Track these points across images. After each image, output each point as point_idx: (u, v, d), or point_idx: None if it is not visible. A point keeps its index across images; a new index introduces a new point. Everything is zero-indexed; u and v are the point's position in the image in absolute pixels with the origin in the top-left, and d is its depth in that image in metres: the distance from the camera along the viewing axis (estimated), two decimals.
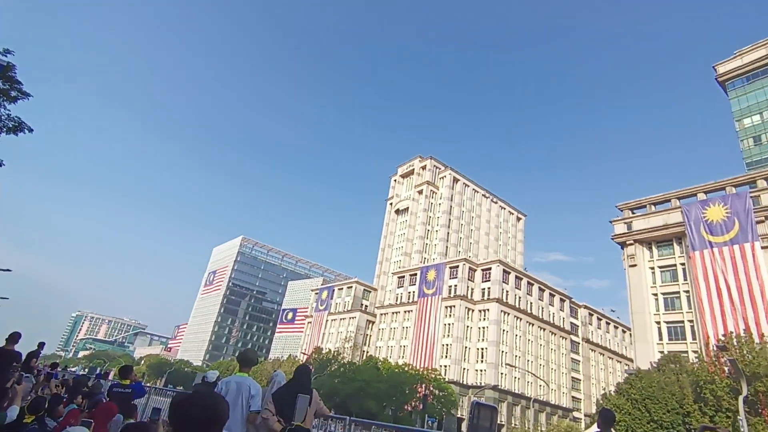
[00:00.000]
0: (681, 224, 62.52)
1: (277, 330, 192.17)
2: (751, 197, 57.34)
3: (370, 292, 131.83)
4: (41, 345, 15.52)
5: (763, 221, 55.99)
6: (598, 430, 7.62)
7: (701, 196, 63.24)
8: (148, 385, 27.75)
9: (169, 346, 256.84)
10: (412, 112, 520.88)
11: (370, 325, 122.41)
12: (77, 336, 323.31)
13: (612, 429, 7.63)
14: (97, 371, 43.98)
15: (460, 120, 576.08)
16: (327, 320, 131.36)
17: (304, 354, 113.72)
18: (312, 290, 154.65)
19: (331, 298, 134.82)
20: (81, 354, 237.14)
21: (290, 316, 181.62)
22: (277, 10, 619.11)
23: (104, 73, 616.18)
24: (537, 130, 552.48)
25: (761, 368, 36.33)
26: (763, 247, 54.79)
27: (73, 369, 79.39)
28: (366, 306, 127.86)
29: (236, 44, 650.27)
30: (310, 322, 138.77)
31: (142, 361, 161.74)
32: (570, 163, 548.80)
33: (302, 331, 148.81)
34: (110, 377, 43.49)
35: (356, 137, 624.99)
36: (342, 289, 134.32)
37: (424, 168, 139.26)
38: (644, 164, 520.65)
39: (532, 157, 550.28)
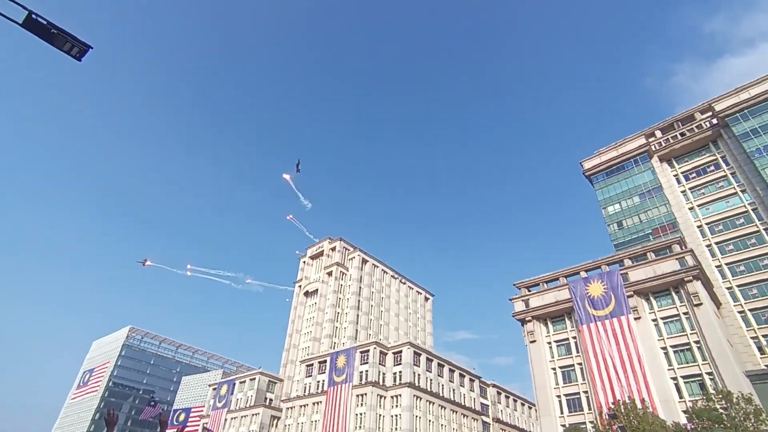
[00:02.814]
0: (569, 300, 68.88)
1: None
2: (621, 274, 65.66)
3: (275, 383, 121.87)
4: None
5: (632, 296, 63.76)
6: None
7: (583, 274, 70.94)
8: None
9: None
10: (318, 193, 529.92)
11: (275, 421, 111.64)
12: None
13: None
14: None
15: (366, 203, 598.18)
16: (226, 419, 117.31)
17: None
18: (209, 385, 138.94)
19: (232, 393, 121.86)
20: None
21: (182, 417, 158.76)
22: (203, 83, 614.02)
23: None
24: (438, 217, 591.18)
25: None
26: (635, 319, 61.92)
27: None
28: (271, 400, 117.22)
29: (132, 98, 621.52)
30: (206, 424, 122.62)
31: None
32: (471, 246, 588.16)
33: None
34: None
35: (260, 215, 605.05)
36: (244, 382, 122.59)
37: (333, 249, 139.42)
38: (539, 245, 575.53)
39: (436, 239, 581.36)
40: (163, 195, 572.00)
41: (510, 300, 77.19)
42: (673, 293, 62.35)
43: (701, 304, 58.32)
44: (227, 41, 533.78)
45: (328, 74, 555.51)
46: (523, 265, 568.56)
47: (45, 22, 16.79)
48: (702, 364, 56.27)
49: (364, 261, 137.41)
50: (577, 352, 67.28)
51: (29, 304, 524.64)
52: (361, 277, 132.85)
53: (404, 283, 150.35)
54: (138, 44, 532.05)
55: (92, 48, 18.56)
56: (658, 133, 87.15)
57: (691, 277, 60.23)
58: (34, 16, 16.64)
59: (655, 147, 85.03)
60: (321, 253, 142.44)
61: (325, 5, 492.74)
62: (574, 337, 68.59)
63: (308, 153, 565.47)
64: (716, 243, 71.13)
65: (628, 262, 67.29)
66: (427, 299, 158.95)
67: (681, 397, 55.82)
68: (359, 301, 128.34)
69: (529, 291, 76.76)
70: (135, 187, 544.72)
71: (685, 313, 60.19)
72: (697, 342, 57.88)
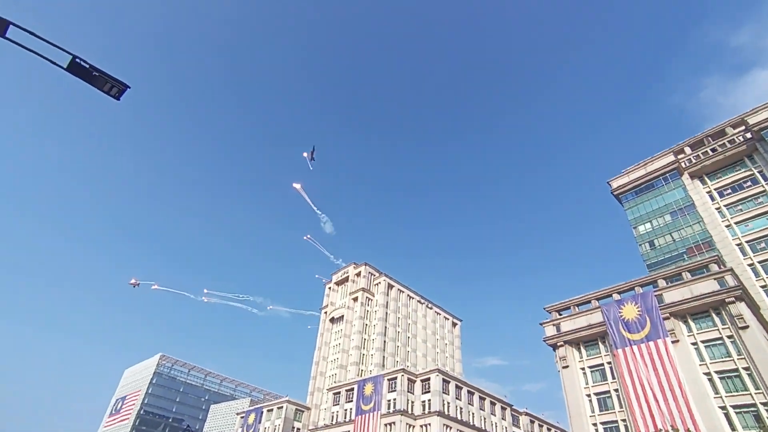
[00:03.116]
0: (603, 324, 66.37)
1: None
2: (656, 295, 63.02)
3: (302, 411, 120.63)
4: None
5: (668, 318, 60.92)
6: None
7: (615, 296, 68.49)
8: None
9: None
10: (344, 219, 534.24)
11: None
12: None
13: None
14: None
15: (390, 227, 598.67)
16: None
17: None
18: (237, 414, 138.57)
19: (259, 422, 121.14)
20: None
21: None
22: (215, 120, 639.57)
23: None
24: (464, 240, 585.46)
25: None
26: (673, 342, 58.93)
27: None
28: (298, 429, 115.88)
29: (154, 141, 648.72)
30: None
31: None
32: (499, 269, 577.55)
33: None
34: None
35: (283, 243, 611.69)
36: (271, 410, 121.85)
37: (358, 275, 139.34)
38: (568, 267, 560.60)
39: (462, 263, 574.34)
40: (171, 221, 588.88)
41: (540, 324, 75.02)
42: (714, 315, 59.16)
43: (747, 326, 55.04)
44: (240, 77, 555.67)
45: (350, 94, 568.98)
46: (553, 288, 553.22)
47: (87, 66, 18.11)
48: (755, 393, 51.75)
49: (390, 286, 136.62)
50: (613, 377, 64.27)
51: (67, 335, 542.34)
52: (387, 302, 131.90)
53: (431, 309, 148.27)
54: (160, 82, 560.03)
55: (129, 87, 19.82)
56: (688, 150, 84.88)
57: (733, 298, 57.16)
58: (77, 60, 17.98)
59: (685, 164, 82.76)
60: (346, 279, 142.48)
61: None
62: (609, 362, 65.71)
63: (329, 176, 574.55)
64: (759, 262, 67.68)
65: (662, 283, 64.66)
66: (454, 325, 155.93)
67: (733, 428, 51.50)
68: (386, 327, 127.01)
69: (560, 315, 74.47)
70: (154, 217, 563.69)
71: (729, 337, 56.75)
72: (746, 368, 53.90)
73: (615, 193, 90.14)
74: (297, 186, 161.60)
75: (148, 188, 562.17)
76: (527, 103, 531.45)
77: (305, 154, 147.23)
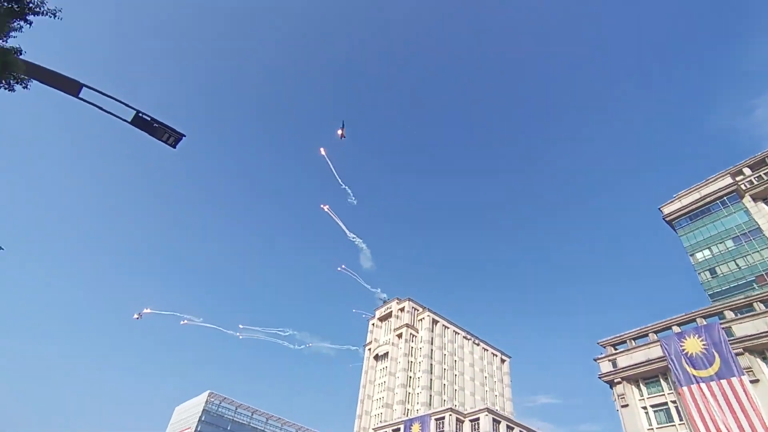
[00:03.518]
0: (663, 359, 61.66)
1: None
2: (723, 328, 58.15)
3: None
4: None
5: (742, 353, 55.78)
6: None
7: (676, 329, 63.81)
8: None
9: None
10: (381, 249, 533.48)
11: None
12: None
13: None
14: None
15: (432, 257, 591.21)
16: None
17: None
18: None
19: None
20: None
21: None
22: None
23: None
24: (508, 271, 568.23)
25: None
26: (752, 381, 53.55)
27: None
28: None
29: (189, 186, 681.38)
30: None
31: None
32: (547, 302, 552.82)
33: None
34: None
35: (319, 274, 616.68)
36: None
37: (402, 310, 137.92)
38: (621, 298, 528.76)
39: (507, 294, 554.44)
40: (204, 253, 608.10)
41: (595, 360, 70.74)
42: None
43: None
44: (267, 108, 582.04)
45: (388, 124, 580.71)
46: (605, 321, 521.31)
47: (149, 118, 20.06)
48: None
49: (435, 321, 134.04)
50: (681, 419, 58.88)
51: (123, 372, 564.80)
52: (432, 338, 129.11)
53: (478, 345, 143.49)
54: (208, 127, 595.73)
55: (185, 136, 21.65)
56: (747, 171, 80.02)
57: None
58: (140, 114, 19.95)
59: (745, 185, 77.89)
60: (389, 314, 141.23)
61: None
62: (674, 401, 60.46)
63: (364, 205, 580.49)
64: None
65: (729, 315, 59.74)
66: (503, 361, 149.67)
67: None
68: (431, 364, 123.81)
69: (616, 349, 70.03)
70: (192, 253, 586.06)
71: None
72: None
73: (667, 219, 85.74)
74: (325, 208, 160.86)
75: (198, 226, 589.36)
76: (572, 135, 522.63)
77: (323, 151, 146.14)
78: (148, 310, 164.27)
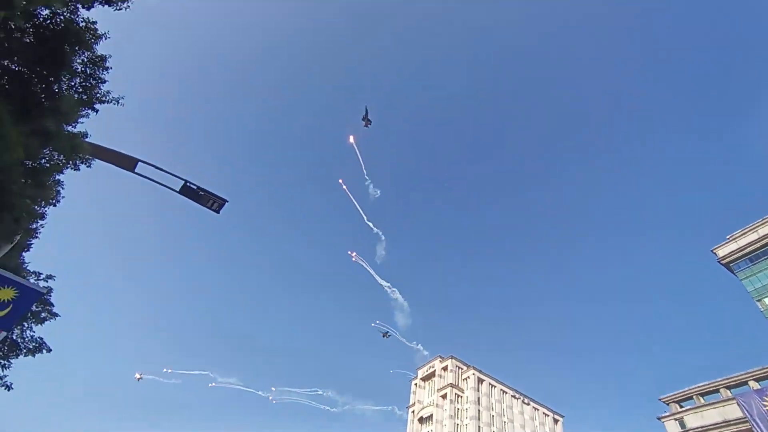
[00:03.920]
0: (744, 420, 55.33)
1: None
2: None
3: None
4: None
5: None
6: None
7: (753, 384, 57.67)
8: None
9: None
10: (420, 301, 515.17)
11: None
12: None
13: None
14: None
15: (472, 312, 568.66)
16: None
17: None
18: None
19: None
20: None
21: None
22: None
23: None
24: (555, 324, 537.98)
25: None
26: None
27: None
28: None
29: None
30: None
31: None
32: (597, 356, 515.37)
33: None
34: None
35: (352, 331, 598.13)
36: None
37: (445, 369, 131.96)
38: (678, 348, 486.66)
39: (555, 347, 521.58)
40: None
41: (659, 419, 64.44)
42: None
43: None
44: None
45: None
46: (662, 375, 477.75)
47: (195, 187, 21.15)
48: None
49: (480, 380, 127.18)
50: None
51: None
52: (478, 398, 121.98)
53: (528, 404, 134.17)
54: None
55: (228, 201, 22.59)
56: None
57: None
58: (188, 184, 21.06)
59: None
60: (432, 374, 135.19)
61: None
62: None
63: (397, 264, 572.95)
64: None
65: None
66: (556, 421, 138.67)
67: None
68: (479, 426, 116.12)
69: (681, 407, 63.67)
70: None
71: None
72: None
73: (723, 261, 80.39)
74: (353, 254, 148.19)
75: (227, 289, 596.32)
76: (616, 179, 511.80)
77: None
78: (169, 370, 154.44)
